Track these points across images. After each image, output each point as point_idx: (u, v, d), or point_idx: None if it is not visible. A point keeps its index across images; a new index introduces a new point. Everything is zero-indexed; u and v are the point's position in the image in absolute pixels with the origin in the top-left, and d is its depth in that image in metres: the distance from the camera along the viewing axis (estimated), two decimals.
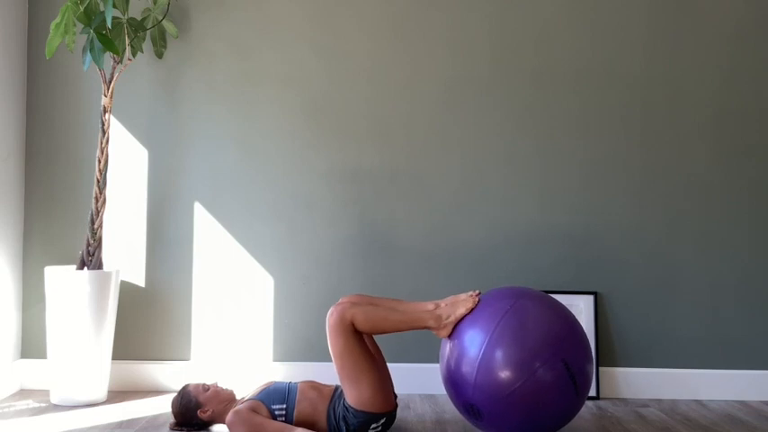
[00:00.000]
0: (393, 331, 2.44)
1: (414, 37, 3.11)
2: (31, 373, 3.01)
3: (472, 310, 2.39)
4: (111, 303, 2.85)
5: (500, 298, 2.40)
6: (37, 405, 2.80)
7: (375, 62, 3.11)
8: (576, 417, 2.64)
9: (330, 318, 2.36)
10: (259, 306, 3.08)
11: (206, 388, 2.50)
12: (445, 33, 3.11)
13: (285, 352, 3.07)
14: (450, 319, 2.40)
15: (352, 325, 2.34)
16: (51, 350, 2.80)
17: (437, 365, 2.80)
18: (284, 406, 2.40)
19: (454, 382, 2.36)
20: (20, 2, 3.03)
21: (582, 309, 3.03)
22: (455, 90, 3.10)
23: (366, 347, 2.38)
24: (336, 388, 2.48)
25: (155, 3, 2.97)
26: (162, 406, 2.79)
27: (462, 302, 2.42)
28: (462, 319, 2.39)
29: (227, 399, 2.49)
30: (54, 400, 2.82)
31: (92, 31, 2.70)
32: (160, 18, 2.98)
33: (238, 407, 2.38)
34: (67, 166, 3.07)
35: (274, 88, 3.10)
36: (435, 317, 2.41)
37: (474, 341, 2.31)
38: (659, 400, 3.01)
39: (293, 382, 2.52)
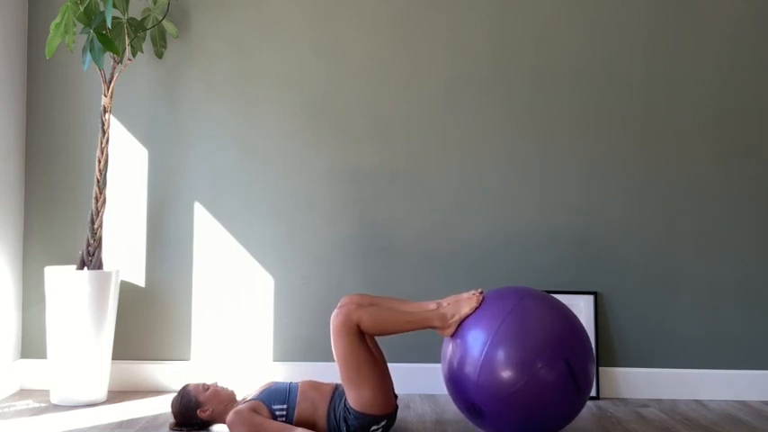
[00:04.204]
0: (398, 333, 2.44)
1: (414, 37, 3.11)
2: (31, 373, 3.01)
3: (476, 309, 2.39)
4: (111, 303, 2.85)
5: (502, 297, 2.41)
6: (37, 405, 2.80)
7: (375, 62, 3.11)
8: (577, 417, 2.64)
9: (335, 319, 2.34)
10: (259, 306, 3.08)
11: (206, 388, 2.49)
12: (445, 33, 3.11)
13: (285, 352, 3.07)
14: (454, 319, 2.40)
15: (358, 327, 2.32)
16: (51, 350, 2.80)
17: (437, 365, 2.80)
18: (285, 406, 2.40)
19: (456, 381, 2.36)
20: (20, 2, 3.03)
21: (582, 309, 3.03)
22: (455, 90, 3.10)
23: (369, 349, 2.37)
24: (336, 386, 2.47)
25: (155, 3, 2.97)
26: (162, 406, 2.79)
27: (466, 301, 2.42)
28: (466, 318, 2.39)
29: (227, 399, 2.49)
30: (54, 400, 2.82)
31: (92, 31, 2.70)
32: (160, 18, 2.98)
33: (239, 407, 2.38)
34: (67, 166, 3.07)
35: (274, 88, 3.10)
36: (440, 316, 2.41)
37: (477, 341, 2.31)
38: (659, 400, 3.01)
39: (294, 382, 2.52)
